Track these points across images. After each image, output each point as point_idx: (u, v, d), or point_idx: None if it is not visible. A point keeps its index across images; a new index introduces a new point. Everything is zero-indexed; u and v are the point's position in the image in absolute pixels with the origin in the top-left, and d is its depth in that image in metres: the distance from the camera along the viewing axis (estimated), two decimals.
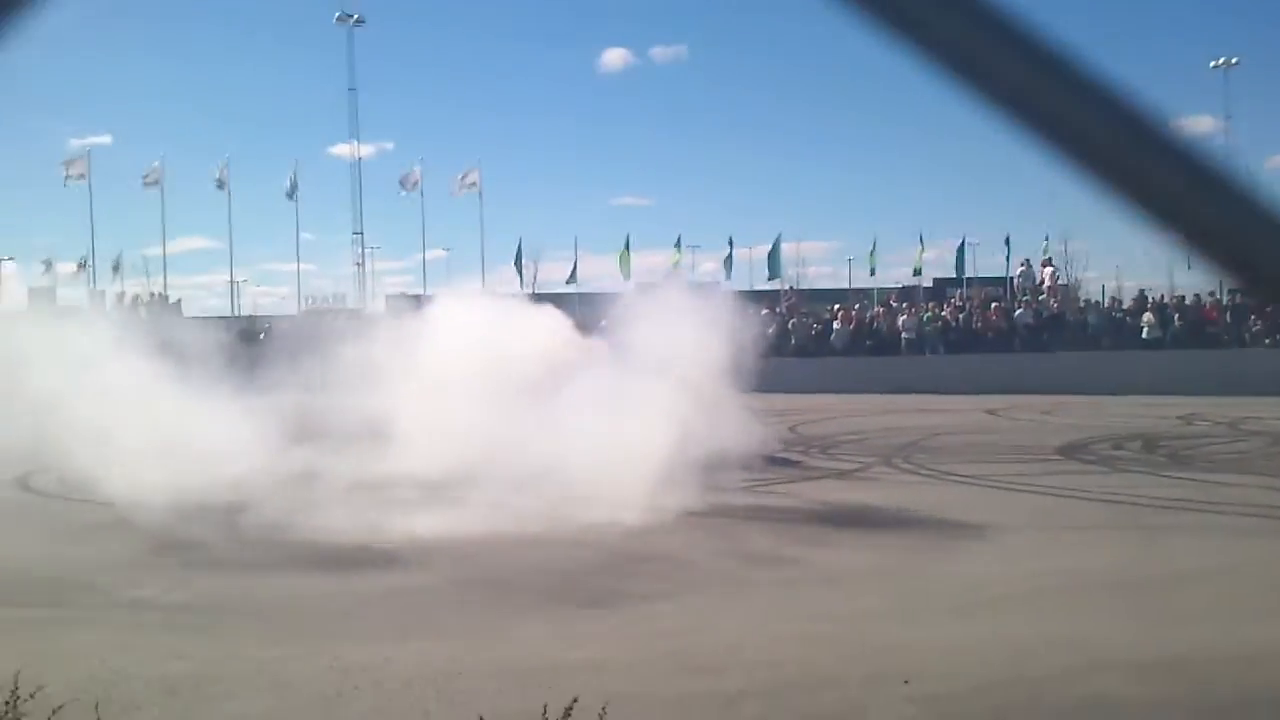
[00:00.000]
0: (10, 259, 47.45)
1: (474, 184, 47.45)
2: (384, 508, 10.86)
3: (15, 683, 4.04)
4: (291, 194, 46.73)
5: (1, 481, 13.38)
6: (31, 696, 3.96)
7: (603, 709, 3.80)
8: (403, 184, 48.24)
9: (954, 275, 44.26)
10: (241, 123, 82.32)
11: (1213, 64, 47.02)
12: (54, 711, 3.87)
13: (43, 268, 46.94)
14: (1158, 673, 5.87)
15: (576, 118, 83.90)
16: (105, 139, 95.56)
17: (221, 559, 8.92)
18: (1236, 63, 46.89)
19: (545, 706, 3.64)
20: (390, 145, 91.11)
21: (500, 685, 5.73)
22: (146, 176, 46.22)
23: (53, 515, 11.70)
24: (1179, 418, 20.46)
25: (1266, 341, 28.95)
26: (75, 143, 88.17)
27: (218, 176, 46.80)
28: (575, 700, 3.72)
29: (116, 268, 47.35)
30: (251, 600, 7.73)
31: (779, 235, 45.21)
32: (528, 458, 11.04)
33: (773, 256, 44.71)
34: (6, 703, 3.97)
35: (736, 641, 6.56)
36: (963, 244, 44.50)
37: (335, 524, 10.04)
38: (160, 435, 11.09)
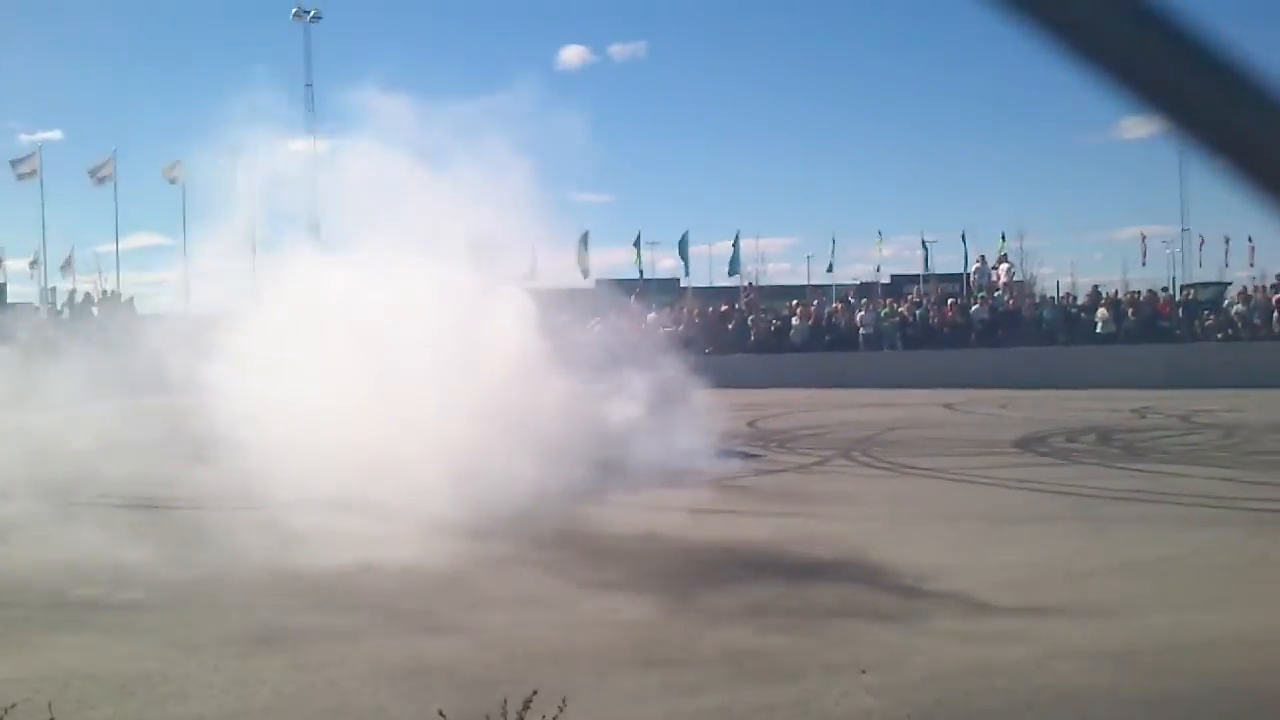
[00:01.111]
0: None
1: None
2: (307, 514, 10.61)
3: None
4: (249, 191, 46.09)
5: None
6: None
7: (562, 702, 3.79)
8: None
9: (911, 272, 44.63)
10: (195, 118, 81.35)
11: None
12: (5, 711, 3.81)
13: None
14: (1111, 662, 5.94)
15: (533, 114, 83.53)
16: (56, 134, 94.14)
17: (159, 555, 8.79)
18: None
19: (505, 700, 3.63)
20: (345, 141, 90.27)
21: (459, 679, 5.71)
22: (97, 172, 45.54)
23: None
24: (1132, 411, 20.71)
25: (1218, 336, 29.36)
26: (25, 138, 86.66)
27: (171, 173, 46.21)
28: (535, 693, 3.71)
29: (67, 265, 46.61)
30: (206, 599, 7.64)
31: (738, 232, 45.12)
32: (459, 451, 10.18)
33: (733, 254, 44.66)
34: None
35: (696, 634, 6.58)
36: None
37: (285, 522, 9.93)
38: None
